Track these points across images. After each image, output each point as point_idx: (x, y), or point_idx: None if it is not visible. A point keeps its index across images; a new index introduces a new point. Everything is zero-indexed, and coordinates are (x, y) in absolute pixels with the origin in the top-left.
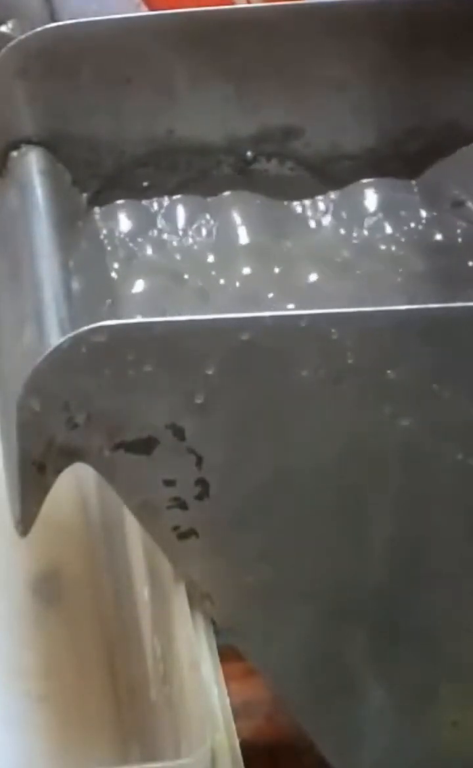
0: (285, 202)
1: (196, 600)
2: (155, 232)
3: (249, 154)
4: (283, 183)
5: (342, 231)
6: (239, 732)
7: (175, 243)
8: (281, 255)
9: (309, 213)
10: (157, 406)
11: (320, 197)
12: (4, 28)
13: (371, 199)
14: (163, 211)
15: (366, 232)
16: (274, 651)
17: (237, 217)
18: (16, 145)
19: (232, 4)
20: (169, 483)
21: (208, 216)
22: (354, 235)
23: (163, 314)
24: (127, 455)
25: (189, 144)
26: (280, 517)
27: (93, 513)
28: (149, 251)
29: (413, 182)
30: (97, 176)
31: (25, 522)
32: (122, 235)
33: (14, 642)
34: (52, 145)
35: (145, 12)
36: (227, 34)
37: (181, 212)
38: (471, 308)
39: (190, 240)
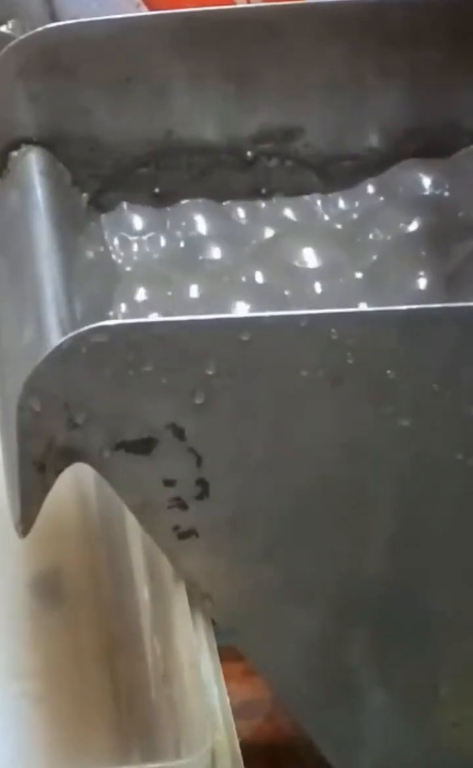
0: (286, 202)
1: (196, 600)
2: (156, 231)
3: (249, 153)
4: (284, 183)
5: (348, 229)
6: (239, 732)
7: (175, 241)
8: (284, 253)
9: (311, 212)
10: (157, 406)
11: (322, 197)
12: (4, 28)
13: (373, 196)
14: (163, 210)
15: (370, 230)
16: (274, 651)
17: (238, 216)
18: (16, 145)
19: (232, 4)
20: (169, 483)
21: (208, 215)
22: (359, 233)
23: (165, 314)
24: (127, 455)
25: (189, 143)
26: (280, 517)
27: (93, 513)
28: (150, 250)
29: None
30: (97, 176)
31: (25, 522)
32: (122, 235)
33: (14, 642)
34: (52, 145)
35: (145, 12)
36: (227, 34)
37: (181, 211)
38: (471, 308)
39: (191, 238)
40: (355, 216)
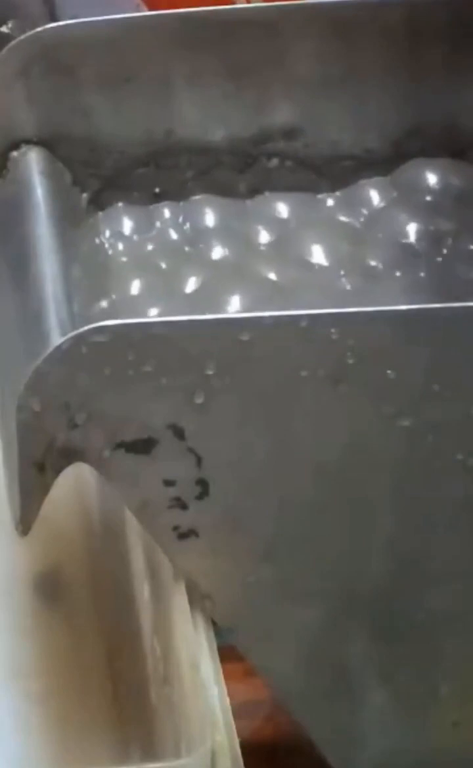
0: (286, 202)
1: (196, 600)
2: (156, 231)
3: (249, 153)
4: (284, 183)
5: (351, 228)
6: (239, 732)
7: (176, 242)
8: (284, 253)
9: (311, 212)
10: (157, 406)
11: (322, 196)
12: (4, 28)
13: (374, 196)
14: (163, 210)
15: (370, 230)
16: (274, 651)
17: (239, 216)
18: (16, 145)
19: (232, 4)
20: (169, 483)
21: (208, 215)
22: (360, 233)
23: (164, 314)
24: (127, 455)
25: (189, 144)
26: (280, 516)
27: (93, 513)
28: (150, 251)
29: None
30: (97, 176)
31: (25, 522)
32: (123, 235)
33: (14, 642)
34: (52, 145)
35: (145, 12)
36: (227, 33)
37: (181, 211)
38: (471, 308)
39: (191, 239)
40: (359, 216)
